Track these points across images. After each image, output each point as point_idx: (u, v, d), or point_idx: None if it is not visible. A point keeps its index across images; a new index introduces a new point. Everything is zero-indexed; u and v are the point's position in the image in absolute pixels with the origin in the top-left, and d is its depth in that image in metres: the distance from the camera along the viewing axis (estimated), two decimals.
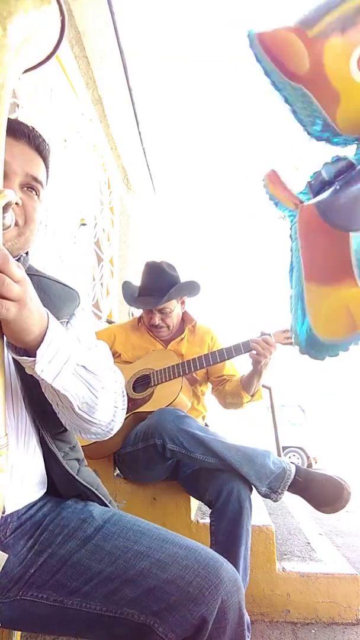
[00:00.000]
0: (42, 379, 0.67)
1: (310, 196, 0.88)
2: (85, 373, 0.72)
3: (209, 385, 1.89)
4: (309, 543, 2.24)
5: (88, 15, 3.24)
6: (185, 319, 1.93)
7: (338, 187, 0.84)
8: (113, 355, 1.85)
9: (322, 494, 1.38)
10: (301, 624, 1.58)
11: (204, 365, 1.65)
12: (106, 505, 0.87)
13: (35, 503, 0.82)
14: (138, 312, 2.03)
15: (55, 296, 0.86)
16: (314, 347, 0.83)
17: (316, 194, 0.88)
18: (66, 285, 0.92)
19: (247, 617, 1.32)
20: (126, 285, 1.97)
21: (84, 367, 0.72)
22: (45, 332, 0.65)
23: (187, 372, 1.66)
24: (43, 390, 0.73)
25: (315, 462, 9.07)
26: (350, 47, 0.74)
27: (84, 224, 3.30)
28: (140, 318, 1.92)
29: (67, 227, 3.05)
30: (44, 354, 0.65)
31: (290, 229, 0.88)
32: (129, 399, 1.69)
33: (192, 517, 1.73)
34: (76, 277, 3.16)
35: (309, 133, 0.88)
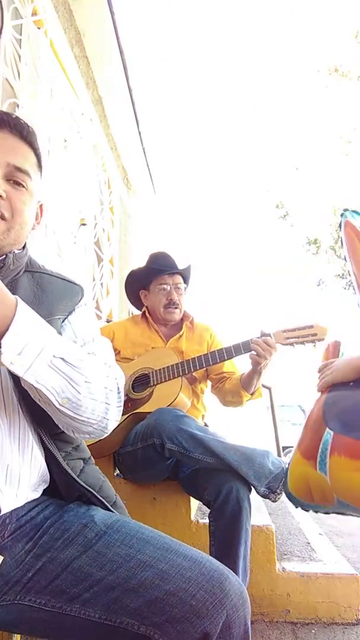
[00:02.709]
0: (14, 372, 0.64)
1: None
2: (64, 366, 0.69)
3: (209, 383, 1.89)
4: (309, 543, 2.23)
5: (88, 15, 3.24)
6: (183, 316, 1.94)
7: (351, 385, 1.01)
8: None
9: None
10: (301, 624, 1.57)
11: (204, 366, 1.66)
12: (109, 509, 0.85)
13: (36, 505, 0.81)
14: (138, 311, 2.03)
15: (52, 292, 0.84)
16: (287, 491, 1.04)
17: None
18: (69, 281, 0.90)
19: None
20: (133, 272, 2.01)
21: (62, 359, 0.69)
22: (11, 322, 0.63)
23: (186, 372, 1.65)
24: (23, 385, 0.70)
25: None
26: None
27: (84, 224, 3.30)
28: (144, 313, 1.93)
29: (67, 227, 3.05)
30: (10, 344, 0.63)
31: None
32: (129, 399, 1.69)
33: (192, 517, 1.73)
34: (76, 277, 3.16)
35: None
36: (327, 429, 0.94)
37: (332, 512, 1.00)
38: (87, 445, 1.58)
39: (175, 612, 0.64)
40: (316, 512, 1.03)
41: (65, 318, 0.85)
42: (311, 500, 0.98)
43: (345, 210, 1.04)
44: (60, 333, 0.82)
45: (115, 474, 1.77)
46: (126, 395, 1.69)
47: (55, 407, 0.70)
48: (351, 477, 0.89)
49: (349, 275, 1.02)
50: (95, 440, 0.83)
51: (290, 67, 10.59)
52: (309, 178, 10.74)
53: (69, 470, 0.81)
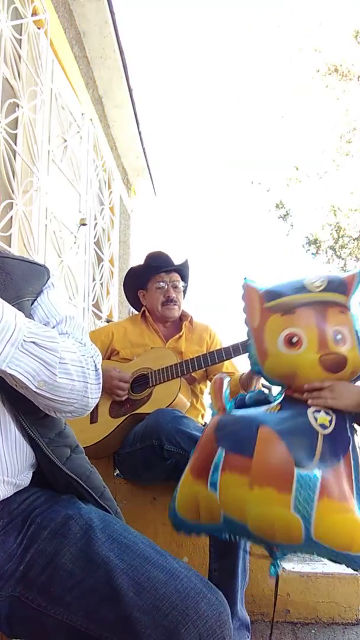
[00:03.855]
0: None
1: (233, 406, 1.13)
2: (36, 349, 0.68)
3: (208, 383, 1.89)
4: None
5: (88, 15, 3.24)
6: (182, 316, 1.94)
7: (239, 415, 1.10)
8: (111, 353, 1.86)
9: None
10: (301, 624, 1.57)
11: (203, 366, 1.65)
12: (96, 500, 0.84)
13: (28, 496, 0.80)
14: (137, 312, 2.03)
15: (18, 275, 0.83)
16: (173, 515, 1.13)
17: (238, 407, 1.14)
18: (34, 263, 0.90)
19: (247, 618, 1.32)
20: (130, 271, 2.03)
21: (33, 342, 0.68)
22: None
23: (185, 372, 1.65)
24: None
25: None
26: (282, 326, 1.03)
27: (84, 224, 3.30)
28: (143, 313, 1.93)
29: (67, 227, 3.05)
30: None
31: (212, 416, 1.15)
32: (128, 400, 1.69)
33: None
34: (76, 277, 3.16)
35: (251, 367, 1.13)
36: (220, 447, 1.01)
37: (210, 533, 1.10)
38: (88, 447, 1.60)
39: (148, 633, 0.63)
40: (197, 534, 1.11)
41: (35, 300, 0.85)
42: (197, 518, 1.04)
43: (245, 278, 1.14)
44: (30, 315, 0.82)
45: (115, 474, 1.77)
46: (125, 395, 1.69)
47: (33, 390, 0.69)
48: (238, 493, 0.97)
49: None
50: (78, 416, 0.82)
51: (290, 67, 10.59)
52: (309, 178, 10.74)
53: (53, 457, 0.80)
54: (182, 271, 1.93)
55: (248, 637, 1.32)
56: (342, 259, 10.89)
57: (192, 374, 1.77)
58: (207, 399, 1.91)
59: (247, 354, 1.15)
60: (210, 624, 0.64)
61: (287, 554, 1.00)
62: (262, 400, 1.12)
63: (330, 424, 1.01)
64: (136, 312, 2.03)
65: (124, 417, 1.65)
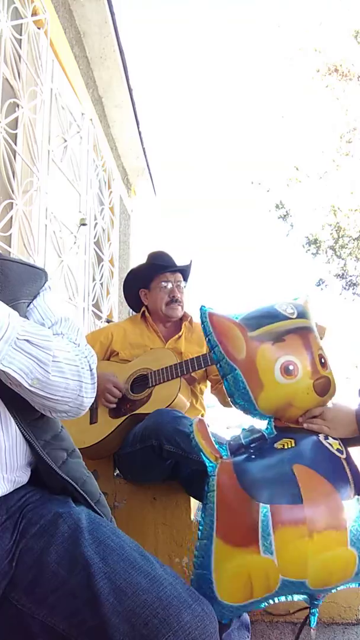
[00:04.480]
0: None
1: (228, 453, 1.03)
2: (29, 347, 0.69)
3: (208, 383, 1.89)
4: None
5: (88, 15, 3.24)
6: (182, 316, 1.94)
7: (253, 456, 0.99)
8: (111, 354, 1.86)
9: None
10: (301, 624, 1.57)
11: (202, 366, 1.65)
12: (91, 505, 0.83)
13: (25, 493, 0.81)
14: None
15: (14, 277, 0.84)
16: (214, 604, 0.86)
17: (232, 453, 1.03)
18: (32, 266, 0.91)
19: (247, 618, 1.32)
20: (133, 270, 2.02)
21: (27, 340, 0.69)
22: None
23: (185, 372, 1.65)
24: None
25: None
26: (276, 355, 0.99)
27: (84, 224, 3.30)
28: (143, 313, 1.93)
29: (67, 227, 3.05)
30: None
31: (209, 480, 0.98)
32: (127, 400, 1.69)
33: (192, 517, 1.73)
34: (76, 277, 3.16)
35: (234, 402, 1.05)
36: (261, 504, 0.88)
37: (257, 607, 0.94)
38: (88, 447, 1.60)
39: None
40: (240, 614, 0.97)
41: (31, 302, 0.86)
42: (249, 597, 0.89)
43: (203, 307, 1.06)
44: (26, 317, 0.83)
45: (115, 474, 1.77)
46: (124, 396, 1.69)
47: (26, 388, 0.70)
48: (298, 547, 0.86)
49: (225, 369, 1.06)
50: (73, 416, 0.82)
51: (290, 67, 10.58)
52: (309, 178, 10.74)
53: (48, 460, 0.80)
54: (185, 272, 1.93)
55: (248, 637, 1.32)
56: (342, 259, 10.89)
57: (192, 374, 1.77)
58: (207, 399, 1.91)
59: (227, 392, 1.05)
60: (193, 635, 0.62)
61: (327, 593, 0.96)
62: (258, 438, 1.04)
63: (343, 448, 0.99)
64: (135, 313, 2.02)
65: (123, 418, 1.65)
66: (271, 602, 0.94)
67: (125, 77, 3.87)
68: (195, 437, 1.03)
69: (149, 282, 1.93)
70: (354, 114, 9.92)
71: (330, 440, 1.00)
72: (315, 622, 0.97)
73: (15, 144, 2.33)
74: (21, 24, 2.40)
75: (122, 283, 2.05)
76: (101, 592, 0.65)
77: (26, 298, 0.85)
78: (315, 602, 0.95)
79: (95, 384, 0.83)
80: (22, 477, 0.81)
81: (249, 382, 1.00)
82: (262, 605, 0.94)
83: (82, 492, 0.83)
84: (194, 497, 1.64)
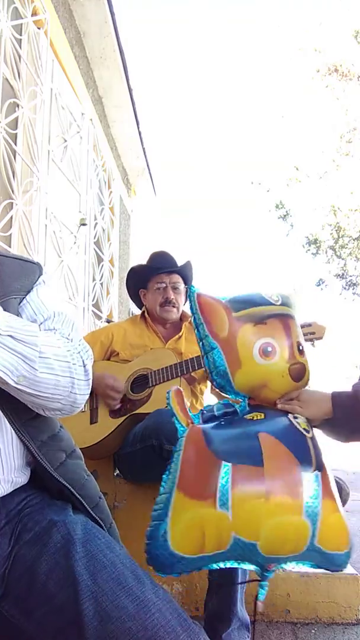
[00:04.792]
0: None
1: (200, 421, 1.09)
2: (13, 343, 0.67)
3: (208, 383, 1.89)
4: None
5: (88, 15, 3.24)
6: (182, 316, 1.94)
7: (222, 423, 1.06)
8: (111, 354, 1.86)
9: None
10: (301, 624, 1.57)
11: (203, 366, 1.65)
12: (87, 510, 0.81)
13: (26, 496, 0.79)
14: (138, 312, 2.03)
15: (6, 274, 0.82)
16: (167, 555, 0.90)
17: (204, 422, 1.09)
18: (26, 261, 0.88)
19: (247, 618, 1.32)
20: (132, 270, 2.01)
21: (10, 336, 0.67)
22: None
23: (185, 372, 1.65)
24: None
25: None
26: (256, 336, 1.03)
27: (84, 224, 3.30)
28: (142, 313, 1.92)
29: (67, 227, 3.05)
30: None
31: (178, 441, 1.06)
32: (127, 400, 1.69)
33: None
34: (76, 277, 3.16)
35: (212, 378, 1.08)
36: (223, 462, 0.92)
37: (207, 566, 0.95)
38: (89, 447, 1.60)
39: None
40: (193, 569, 0.95)
41: (24, 297, 0.83)
42: (200, 550, 0.91)
43: (192, 287, 1.12)
44: (18, 313, 0.81)
45: (115, 474, 1.77)
46: (125, 396, 1.69)
47: (13, 386, 0.68)
48: (253, 507, 0.89)
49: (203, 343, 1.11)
50: (67, 414, 0.80)
51: (290, 67, 10.59)
52: (309, 178, 10.74)
53: (43, 461, 0.77)
54: (183, 273, 1.91)
55: (248, 637, 1.32)
56: (342, 259, 10.89)
57: (192, 374, 1.77)
58: (207, 399, 1.91)
59: (206, 369, 1.09)
60: None
61: (278, 567, 0.98)
62: (232, 412, 1.10)
63: (310, 428, 1.04)
64: (136, 313, 2.02)
65: (123, 418, 1.65)
66: (222, 565, 0.94)
67: (125, 77, 3.88)
68: (170, 403, 1.09)
69: (146, 283, 1.93)
70: (354, 114, 9.93)
71: (299, 419, 1.04)
72: (264, 596, 1.00)
73: (15, 144, 2.33)
74: (21, 24, 2.40)
75: (123, 282, 2.05)
76: (86, 613, 0.63)
77: (18, 293, 0.82)
78: (266, 574, 0.98)
79: (90, 381, 0.80)
80: (21, 477, 0.79)
81: (227, 360, 1.05)
82: (213, 566, 0.95)
83: (78, 496, 0.80)
84: None
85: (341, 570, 1.00)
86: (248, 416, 1.06)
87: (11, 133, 2.30)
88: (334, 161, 10.32)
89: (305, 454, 0.96)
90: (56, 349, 0.73)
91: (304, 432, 1.01)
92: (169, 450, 1.44)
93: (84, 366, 0.78)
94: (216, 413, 1.11)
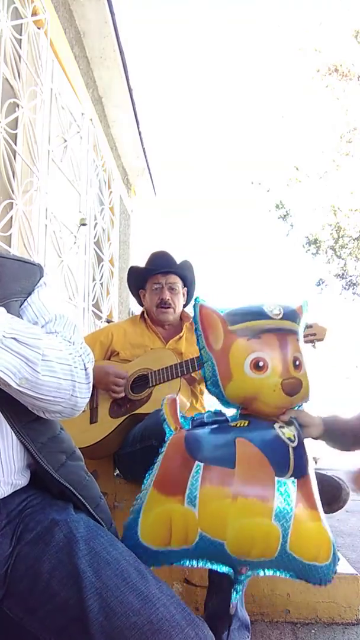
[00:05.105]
0: None
1: (189, 427, 1.13)
2: (16, 345, 0.67)
3: None
4: None
5: (88, 15, 3.24)
6: (183, 317, 1.94)
7: (206, 430, 1.10)
8: (111, 354, 1.86)
9: (320, 494, 1.37)
10: (301, 624, 1.57)
11: (203, 366, 1.65)
12: (89, 511, 0.81)
13: (27, 497, 0.79)
14: (138, 311, 2.03)
15: (7, 275, 0.81)
16: (134, 546, 0.93)
17: (193, 428, 1.12)
18: (25, 262, 0.88)
19: (247, 618, 1.32)
20: (131, 270, 2.00)
21: (14, 338, 0.67)
22: None
23: (185, 372, 1.65)
24: None
25: (316, 463, 9.06)
26: (248, 351, 1.05)
27: (84, 224, 3.30)
28: (142, 314, 1.92)
29: (67, 227, 3.05)
30: None
31: (164, 443, 1.10)
32: (127, 400, 1.69)
33: None
34: (76, 277, 3.16)
35: (207, 387, 1.11)
36: (196, 461, 0.98)
37: (175, 561, 0.97)
38: (89, 446, 1.60)
39: None
40: (161, 563, 0.97)
41: (25, 300, 0.83)
42: (167, 543, 0.95)
43: (197, 299, 1.15)
44: (20, 315, 0.81)
45: (115, 474, 1.77)
46: (125, 396, 1.69)
47: (15, 388, 0.68)
48: (219, 506, 0.93)
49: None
50: (67, 417, 0.80)
51: (290, 67, 10.60)
52: (309, 178, 10.74)
53: (44, 463, 0.78)
54: (181, 273, 1.90)
55: (248, 637, 1.32)
56: (342, 259, 10.89)
57: (192, 375, 1.77)
58: (207, 399, 1.91)
59: (203, 378, 1.13)
60: None
61: (253, 573, 0.98)
62: (221, 420, 1.13)
63: (295, 438, 1.06)
64: (136, 313, 2.02)
65: (123, 417, 1.65)
66: (195, 564, 0.97)
67: (125, 77, 3.88)
68: (163, 409, 1.13)
69: (144, 284, 1.92)
70: (354, 114, 9.93)
71: (285, 429, 1.07)
72: (236, 598, 1.00)
73: (15, 144, 2.33)
74: (21, 24, 2.40)
75: (123, 282, 2.05)
76: (91, 609, 0.63)
77: (19, 295, 0.82)
78: (240, 578, 0.98)
79: (91, 384, 0.80)
80: (21, 479, 0.79)
81: (220, 372, 1.08)
82: (186, 563, 0.97)
83: (80, 497, 0.81)
84: None
85: (324, 585, 0.99)
86: (232, 423, 1.09)
87: (11, 133, 2.30)
88: (334, 161, 10.32)
89: (282, 461, 0.99)
90: (58, 352, 0.74)
91: (287, 441, 1.04)
92: None
93: (85, 369, 0.79)
94: (206, 420, 1.14)
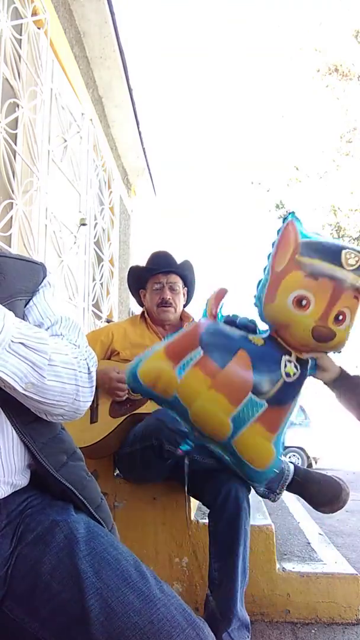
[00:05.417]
0: None
1: (222, 320, 1.25)
2: (24, 350, 0.67)
3: None
4: (309, 543, 2.23)
5: (88, 15, 3.24)
6: (183, 316, 1.94)
7: (228, 331, 1.23)
8: (111, 353, 1.85)
9: (320, 495, 1.37)
10: (301, 624, 1.57)
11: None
12: (90, 511, 0.81)
13: (27, 497, 0.79)
14: (138, 311, 2.03)
15: (11, 274, 0.81)
16: (132, 374, 1.27)
17: (226, 322, 1.25)
18: (29, 261, 0.88)
19: (247, 618, 1.32)
20: (131, 270, 2.00)
21: (22, 343, 0.67)
22: None
23: None
24: None
25: (316, 463, 9.06)
26: (299, 285, 1.11)
27: (84, 224, 3.30)
28: (143, 313, 1.92)
29: (67, 227, 3.05)
30: None
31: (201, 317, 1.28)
32: (128, 400, 1.69)
33: (192, 517, 1.73)
34: (76, 277, 3.16)
35: (254, 295, 1.21)
36: (200, 347, 1.17)
37: (156, 401, 1.28)
38: (89, 446, 1.60)
39: None
40: (146, 396, 1.30)
41: (30, 299, 0.83)
42: (152, 386, 1.21)
43: (291, 214, 1.20)
44: (24, 315, 0.81)
45: (115, 474, 1.77)
46: (125, 396, 1.69)
47: (20, 392, 0.68)
48: (197, 385, 1.15)
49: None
50: (69, 420, 0.80)
51: (290, 67, 10.59)
52: (309, 178, 10.74)
53: (45, 463, 0.77)
54: (181, 273, 1.90)
55: (248, 637, 1.32)
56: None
57: None
58: None
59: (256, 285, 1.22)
60: None
61: (203, 442, 1.23)
62: (251, 328, 1.24)
63: (294, 376, 1.16)
64: (136, 313, 2.02)
65: (124, 417, 1.65)
66: (165, 407, 1.28)
67: (125, 77, 3.88)
68: (210, 296, 1.25)
69: (145, 283, 1.93)
70: (354, 114, 9.93)
71: (290, 365, 1.17)
72: (186, 447, 1.29)
73: (15, 144, 2.33)
74: (21, 24, 2.40)
75: (123, 282, 2.05)
76: (92, 609, 0.63)
77: (24, 295, 0.82)
78: (191, 434, 1.25)
79: (94, 388, 0.80)
80: (22, 480, 0.79)
81: (267, 291, 1.16)
82: (163, 407, 1.28)
83: (81, 497, 0.80)
84: (194, 497, 1.64)
85: (254, 486, 1.26)
86: (251, 337, 1.21)
87: (11, 133, 2.30)
88: (334, 161, 10.32)
89: (264, 386, 1.14)
90: (64, 356, 0.74)
91: (283, 374, 1.16)
92: (169, 450, 1.44)
93: (89, 373, 0.79)
94: (237, 324, 1.25)
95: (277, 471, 1.21)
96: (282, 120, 12.52)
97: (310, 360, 1.20)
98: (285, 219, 1.18)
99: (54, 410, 0.74)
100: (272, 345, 1.19)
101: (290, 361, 1.16)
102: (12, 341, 0.66)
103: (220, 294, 1.26)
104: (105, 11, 3.22)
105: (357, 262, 1.11)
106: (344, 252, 1.12)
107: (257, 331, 1.24)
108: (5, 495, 0.76)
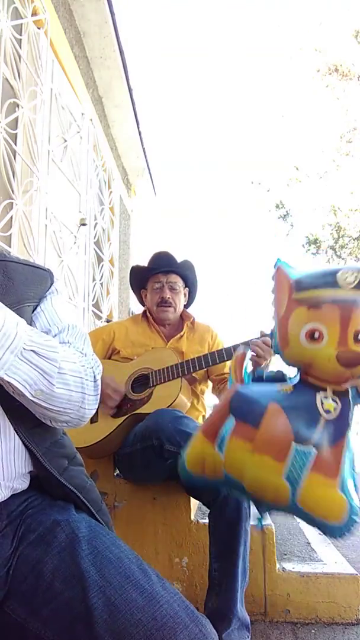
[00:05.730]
0: None
1: (249, 381, 1.22)
2: (35, 358, 0.68)
3: (209, 383, 1.89)
4: (309, 543, 2.23)
5: (88, 15, 3.24)
6: (183, 316, 1.94)
7: (256, 388, 1.20)
8: (112, 352, 1.86)
9: None
10: (301, 624, 1.57)
11: (204, 366, 1.65)
12: (93, 514, 0.82)
13: (27, 498, 0.79)
14: (138, 311, 2.03)
15: (19, 280, 0.82)
16: (183, 469, 1.18)
17: (254, 381, 1.22)
18: (37, 267, 0.88)
19: (247, 618, 1.32)
20: (133, 269, 2.01)
21: (33, 351, 0.68)
22: None
23: (186, 373, 1.65)
24: None
25: None
26: (306, 320, 1.09)
27: (84, 224, 3.30)
28: (144, 313, 1.93)
29: (67, 227, 3.05)
30: None
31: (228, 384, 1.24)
32: (128, 400, 1.69)
33: (192, 517, 1.73)
34: (76, 277, 3.16)
35: (273, 344, 1.22)
36: (232, 415, 1.14)
37: (212, 487, 1.25)
38: (88, 446, 1.60)
39: None
40: (202, 486, 1.24)
41: (37, 305, 0.84)
42: (202, 473, 1.17)
43: (278, 260, 1.19)
44: (32, 321, 0.81)
45: (115, 474, 1.77)
46: (125, 396, 1.69)
47: (29, 399, 0.69)
48: (240, 456, 1.10)
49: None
50: (73, 427, 0.81)
51: (290, 67, 10.60)
52: (309, 178, 10.75)
53: (50, 468, 0.78)
54: (181, 272, 1.91)
55: (248, 637, 1.32)
56: (342, 259, 10.90)
57: (193, 375, 1.77)
58: (207, 399, 1.91)
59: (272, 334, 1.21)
60: None
61: (272, 510, 1.16)
62: (279, 378, 1.22)
63: (335, 411, 1.10)
64: (136, 313, 2.03)
65: (124, 417, 1.65)
66: (226, 491, 1.27)
67: (125, 77, 3.88)
68: (233, 360, 1.24)
69: (146, 283, 1.93)
70: (354, 114, 9.93)
71: (327, 401, 1.12)
72: (260, 525, 1.29)
73: (15, 144, 2.33)
74: (21, 24, 2.40)
75: (123, 282, 2.06)
76: (95, 607, 0.63)
77: (31, 301, 0.82)
78: (261, 509, 1.15)
79: (99, 396, 0.81)
80: (22, 484, 0.79)
81: (280, 336, 1.16)
82: (220, 489, 1.25)
83: (85, 501, 0.81)
84: (194, 497, 1.64)
85: (335, 538, 1.14)
86: (283, 387, 1.18)
87: (11, 133, 2.30)
88: (334, 161, 10.32)
89: (305, 431, 1.08)
90: (72, 364, 0.75)
91: (323, 412, 1.10)
92: (170, 450, 1.44)
93: (95, 381, 0.80)
94: (265, 377, 1.24)
95: (357, 520, 1.11)
96: (282, 120, 12.56)
97: (350, 390, 1.13)
98: (274, 265, 1.17)
99: (59, 417, 0.75)
100: (302, 388, 1.15)
101: (326, 397, 1.12)
102: (24, 348, 0.67)
103: (241, 358, 1.24)
104: (105, 11, 3.22)
105: (355, 278, 1.08)
106: (339, 273, 1.10)
107: (286, 379, 1.21)
108: (5, 498, 0.76)
